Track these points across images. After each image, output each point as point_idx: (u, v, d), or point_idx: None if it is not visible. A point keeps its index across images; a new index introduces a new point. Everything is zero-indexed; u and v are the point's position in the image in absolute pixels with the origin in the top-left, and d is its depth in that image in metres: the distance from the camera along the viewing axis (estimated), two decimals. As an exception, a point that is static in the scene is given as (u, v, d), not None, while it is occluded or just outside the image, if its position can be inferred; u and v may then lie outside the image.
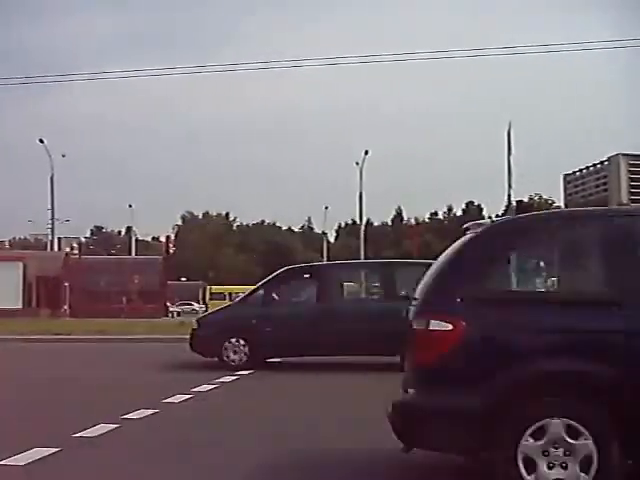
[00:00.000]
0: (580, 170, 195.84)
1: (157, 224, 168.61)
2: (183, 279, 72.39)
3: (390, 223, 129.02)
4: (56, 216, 56.53)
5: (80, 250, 58.46)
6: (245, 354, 14.61)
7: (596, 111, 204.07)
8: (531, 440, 4.86)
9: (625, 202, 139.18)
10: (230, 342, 14.63)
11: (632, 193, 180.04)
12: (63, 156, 55.59)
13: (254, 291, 15.57)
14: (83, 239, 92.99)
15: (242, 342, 14.65)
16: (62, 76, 68.46)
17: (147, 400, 9.97)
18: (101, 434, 7.88)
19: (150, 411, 9.26)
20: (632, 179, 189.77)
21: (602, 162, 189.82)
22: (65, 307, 48.31)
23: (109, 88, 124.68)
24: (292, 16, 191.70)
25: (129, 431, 8.21)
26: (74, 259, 55.66)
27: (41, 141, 51.73)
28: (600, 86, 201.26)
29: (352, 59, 77.58)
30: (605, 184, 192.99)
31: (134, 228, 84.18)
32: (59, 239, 64.25)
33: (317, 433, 8.18)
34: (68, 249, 63.93)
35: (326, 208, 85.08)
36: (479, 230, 5.69)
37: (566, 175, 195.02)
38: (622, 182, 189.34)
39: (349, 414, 9.36)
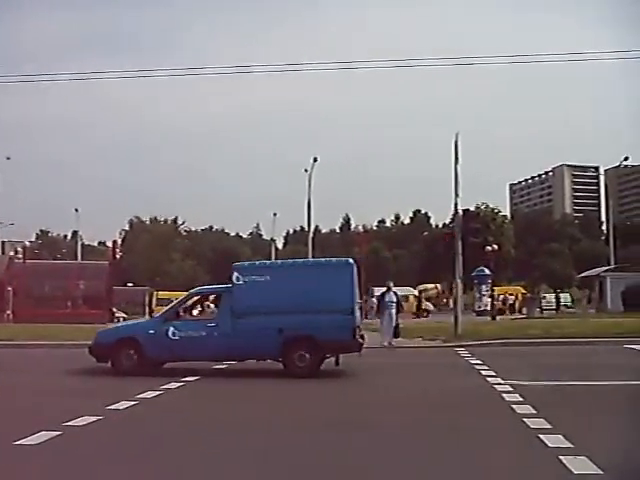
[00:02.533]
0: (526, 180, 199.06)
1: (104, 229, 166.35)
2: (130, 284, 71.55)
3: (338, 230, 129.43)
4: (0, 220, 55.43)
5: (24, 254, 57.17)
6: None
7: (542, 122, 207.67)
8: None
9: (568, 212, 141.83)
10: None
11: (575, 203, 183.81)
12: (8, 158, 54.46)
13: None
14: (28, 243, 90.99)
15: None
16: (6, 77, 67.23)
17: (91, 407, 9.88)
18: (42, 442, 7.80)
19: (94, 418, 9.17)
20: (575, 190, 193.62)
21: (547, 172, 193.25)
22: (8, 312, 47.31)
23: (56, 90, 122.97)
24: (246, 20, 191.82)
25: (71, 439, 8.12)
26: (18, 263, 54.57)
27: (-15, 143, 50.74)
28: (546, 97, 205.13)
29: (302, 67, 78.08)
30: (550, 194, 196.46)
31: (80, 232, 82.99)
32: (3, 243, 63.15)
33: (271, 437, 8.23)
34: (12, 253, 62.73)
35: (274, 215, 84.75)
36: None
37: (512, 185, 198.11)
38: (566, 192, 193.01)
39: (287, 417, 9.44)
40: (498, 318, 40.34)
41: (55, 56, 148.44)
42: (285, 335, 14.42)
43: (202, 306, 17.48)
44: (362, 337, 15.33)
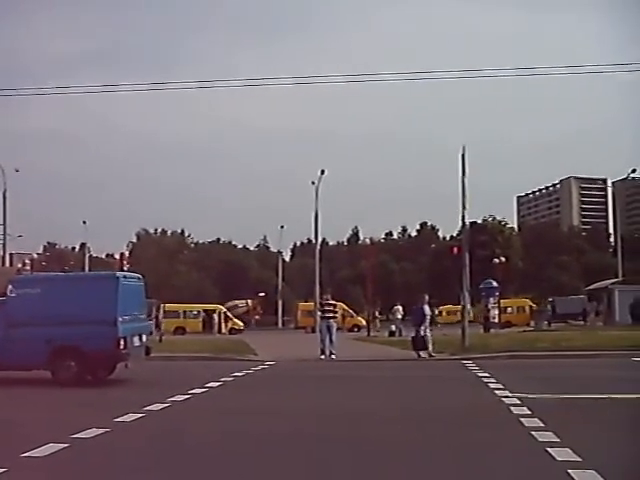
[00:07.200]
0: (533, 192, 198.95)
1: (111, 241, 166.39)
2: (137, 296, 71.47)
3: (346, 242, 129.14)
4: (8, 232, 55.51)
5: (32, 266, 57.41)
6: None
7: (549, 134, 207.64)
8: None
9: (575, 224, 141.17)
10: None
11: (583, 216, 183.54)
12: (16, 171, 54.63)
13: None
14: (35, 255, 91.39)
15: None
16: (14, 90, 67.54)
17: (99, 419, 9.89)
18: (50, 454, 7.81)
19: (101, 430, 9.18)
20: (583, 202, 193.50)
21: (554, 185, 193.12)
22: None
23: (62, 104, 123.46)
24: (250, 35, 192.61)
25: (78, 451, 8.13)
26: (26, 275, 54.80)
27: (-7, 155, 50.85)
28: (553, 109, 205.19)
29: (309, 80, 78.30)
30: (557, 206, 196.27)
31: (88, 245, 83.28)
32: (11, 255, 63.25)
33: (277, 450, 8.21)
34: (20, 265, 62.89)
35: (282, 227, 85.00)
36: None
37: (519, 197, 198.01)
38: (573, 205, 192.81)
39: (304, 430, 9.43)
40: (504, 330, 40.30)
41: (62, 71, 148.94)
42: (53, 345, 15.14)
43: None
44: (147, 349, 16.50)
